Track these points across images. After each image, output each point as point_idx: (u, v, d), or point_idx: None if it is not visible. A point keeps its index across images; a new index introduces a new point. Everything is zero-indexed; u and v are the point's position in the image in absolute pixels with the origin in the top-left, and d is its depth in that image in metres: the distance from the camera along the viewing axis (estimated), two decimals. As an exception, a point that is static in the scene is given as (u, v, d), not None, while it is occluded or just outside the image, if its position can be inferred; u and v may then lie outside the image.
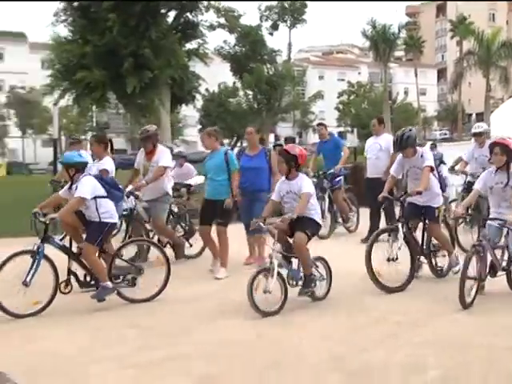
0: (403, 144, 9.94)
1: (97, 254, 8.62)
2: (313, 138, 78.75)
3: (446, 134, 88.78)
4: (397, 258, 9.34)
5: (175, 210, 12.99)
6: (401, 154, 10.23)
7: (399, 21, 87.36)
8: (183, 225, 12.93)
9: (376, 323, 7.77)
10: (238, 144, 73.39)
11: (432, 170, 9.95)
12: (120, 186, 9.35)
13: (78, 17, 28.60)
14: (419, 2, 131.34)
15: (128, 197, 10.96)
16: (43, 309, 8.23)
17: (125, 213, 11.14)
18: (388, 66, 77.05)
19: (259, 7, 73.18)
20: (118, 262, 8.98)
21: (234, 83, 71.97)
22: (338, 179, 15.03)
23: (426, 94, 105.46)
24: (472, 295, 8.30)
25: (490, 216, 9.08)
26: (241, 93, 70.01)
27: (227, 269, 10.76)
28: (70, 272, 8.46)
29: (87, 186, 8.50)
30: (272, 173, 11.45)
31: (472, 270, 8.35)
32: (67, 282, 8.40)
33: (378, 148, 13.76)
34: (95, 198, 8.58)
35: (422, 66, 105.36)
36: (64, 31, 29.94)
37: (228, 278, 10.50)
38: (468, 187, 12.69)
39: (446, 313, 8.09)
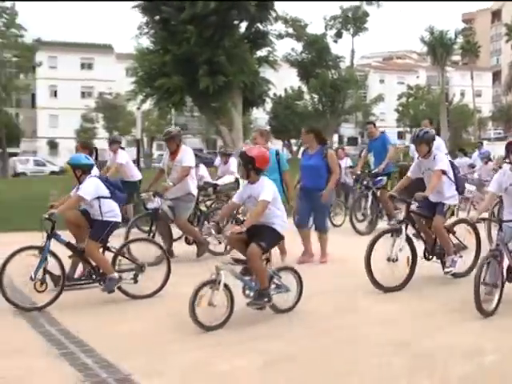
0: (419, 138, 9.47)
1: (100, 250, 8.50)
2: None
3: (500, 134, 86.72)
4: (397, 260, 8.77)
5: (203, 208, 12.67)
6: (417, 157, 9.72)
7: (456, 27, 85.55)
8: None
9: (436, 311, 7.69)
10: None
11: (444, 173, 9.33)
12: (122, 188, 9.12)
13: (159, 29, 28.89)
14: (475, 9, 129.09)
15: (154, 196, 10.83)
16: (50, 303, 8.05)
17: (150, 211, 11.07)
18: (445, 70, 75.77)
19: (324, 17, 72.85)
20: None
21: (299, 87, 71.87)
22: (379, 178, 14.53)
23: (481, 96, 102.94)
24: (495, 302, 7.51)
25: (505, 218, 8.18)
26: (307, 96, 70.11)
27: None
28: (45, 271, 8.15)
29: (89, 187, 8.45)
30: (330, 172, 10.91)
31: (490, 276, 7.57)
32: (42, 281, 8.09)
33: None
34: (99, 198, 8.51)
35: (478, 69, 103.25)
36: (146, 42, 30.28)
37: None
38: None
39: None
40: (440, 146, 12.55)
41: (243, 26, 30.07)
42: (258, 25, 30.26)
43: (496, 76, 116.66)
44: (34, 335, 6.92)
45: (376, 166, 14.69)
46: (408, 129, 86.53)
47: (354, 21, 74.08)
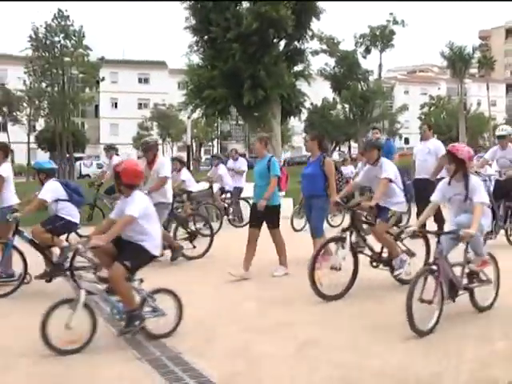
0: (370, 144, 8.79)
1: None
2: (398, 143, 77.57)
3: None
4: (340, 269, 7.80)
5: (179, 214, 12.13)
6: (368, 165, 8.72)
7: (473, 43, 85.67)
8: (187, 228, 11.62)
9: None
10: (337, 148, 73.26)
11: (390, 181, 8.28)
12: (81, 192, 8.77)
13: (208, 47, 29.06)
14: (490, 27, 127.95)
15: None
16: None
17: None
18: (463, 82, 75.05)
19: (355, 35, 72.68)
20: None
21: (334, 98, 71.88)
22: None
23: (496, 105, 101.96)
24: (433, 321, 6.24)
25: (448, 229, 7.06)
26: (339, 106, 70.12)
27: (288, 268, 9.39)
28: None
29: (48, 190, 8.25)
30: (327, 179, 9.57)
31: (427, 292, 6.22)
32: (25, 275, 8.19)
33: (427, 151, 12.44)
34: (57, 200, 8.29)
35: (493, 81, 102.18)
36: (196, 59, 30.47)
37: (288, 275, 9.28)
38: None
39: None
40: (439, 148, 12.17)
41: (282, 44, 30.11)
42: (296, 43, 30.25)
43: (509, 87, 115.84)
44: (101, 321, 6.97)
45: None
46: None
47: (382, 38, 73.88)
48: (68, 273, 6.02)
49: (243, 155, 17.39)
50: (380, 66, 79.39)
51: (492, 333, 6.14)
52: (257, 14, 26.88)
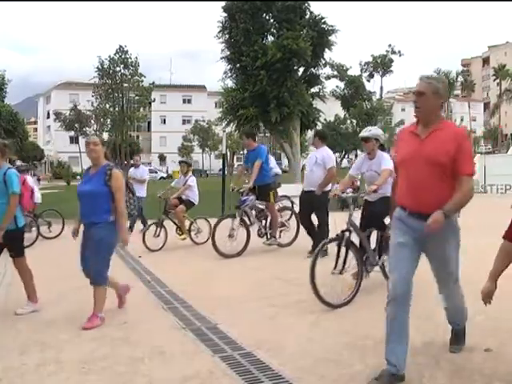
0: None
1: None
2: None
3: (489, 149, 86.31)
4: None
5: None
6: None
7: (456, 69, 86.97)
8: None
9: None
10: (346, 156, 73.26)
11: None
12: None
13: (239, 74, 29.17)
14: (469, 56, 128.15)
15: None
16: None
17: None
18: (449, 101, 74.88)
19: (360, 62, 73.60)
20: None
21: (345, 115, 72.27)
22: None
23: (476, 120, 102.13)
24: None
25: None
26: (348, 121, 70.58)
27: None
28: None
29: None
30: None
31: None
32: None
33: (314, 161, 9.21)
34: None
35: (473, 101, 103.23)
36: (230, 83, 30.59)
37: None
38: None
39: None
40: (327, 158, 9.30)
41: (301, 70, 30.12)
42: (312, 69, 30.25)
43: (486, 106, 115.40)
44: (148, 294, 6.98)
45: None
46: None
47: (382, 66, 74.16)
48: None
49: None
50: (381, 88, 79.56)
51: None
52: (280, 46, 26.97)
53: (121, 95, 61.36)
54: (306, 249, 9.30)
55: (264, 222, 10.26)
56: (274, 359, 4.49)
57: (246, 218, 9.86)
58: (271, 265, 8.91)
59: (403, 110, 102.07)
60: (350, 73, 68.98)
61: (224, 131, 30.39)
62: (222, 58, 29.68)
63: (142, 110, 68.72)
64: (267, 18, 29.18)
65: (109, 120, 63.65)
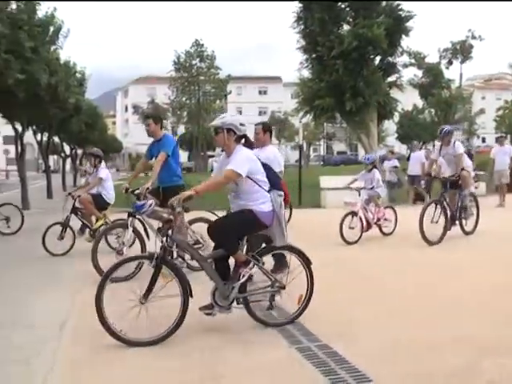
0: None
1: None
2: (476, 142, 75.41)
3: None
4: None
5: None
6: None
7: None
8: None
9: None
10: (424, 147, 71.50)
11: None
12: None
13: (315, 64, 29.03)
14: None
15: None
16: None
17: None
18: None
19: (439, 49, 71.46)
20: None
21: (423, 105, 70.68)
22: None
23: None
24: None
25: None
26: (426, 111, 69.14)
27: None
28: None
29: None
30: None
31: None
32: None
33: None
34: None
35: None
36: (306, 74, 30.54)
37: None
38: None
39: None
40: (273, 157, 7.59)
41: (377, 58, 29.67)
42: (389, 58, 29.74)
43: None
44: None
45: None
46: (503, 134, 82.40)
47: (462, 52, 71.99)
48: None
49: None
50: (460, 75, 76.82)
51: None
52: (356, 35, 26.68)
53: (197, 88, 62.52)
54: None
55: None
56: (349, 351, 4.52)
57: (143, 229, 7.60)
58: (325, 270, 8.81)
59: (483, 98, 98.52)
60: (427, 60, 67.25)
61: (300, 122, 30.56)
62: (297, 49, 29.60)
63: (218, 102, 69.68)
64: (343, 6, 28.85)
65: (186, 112, 64.98)
